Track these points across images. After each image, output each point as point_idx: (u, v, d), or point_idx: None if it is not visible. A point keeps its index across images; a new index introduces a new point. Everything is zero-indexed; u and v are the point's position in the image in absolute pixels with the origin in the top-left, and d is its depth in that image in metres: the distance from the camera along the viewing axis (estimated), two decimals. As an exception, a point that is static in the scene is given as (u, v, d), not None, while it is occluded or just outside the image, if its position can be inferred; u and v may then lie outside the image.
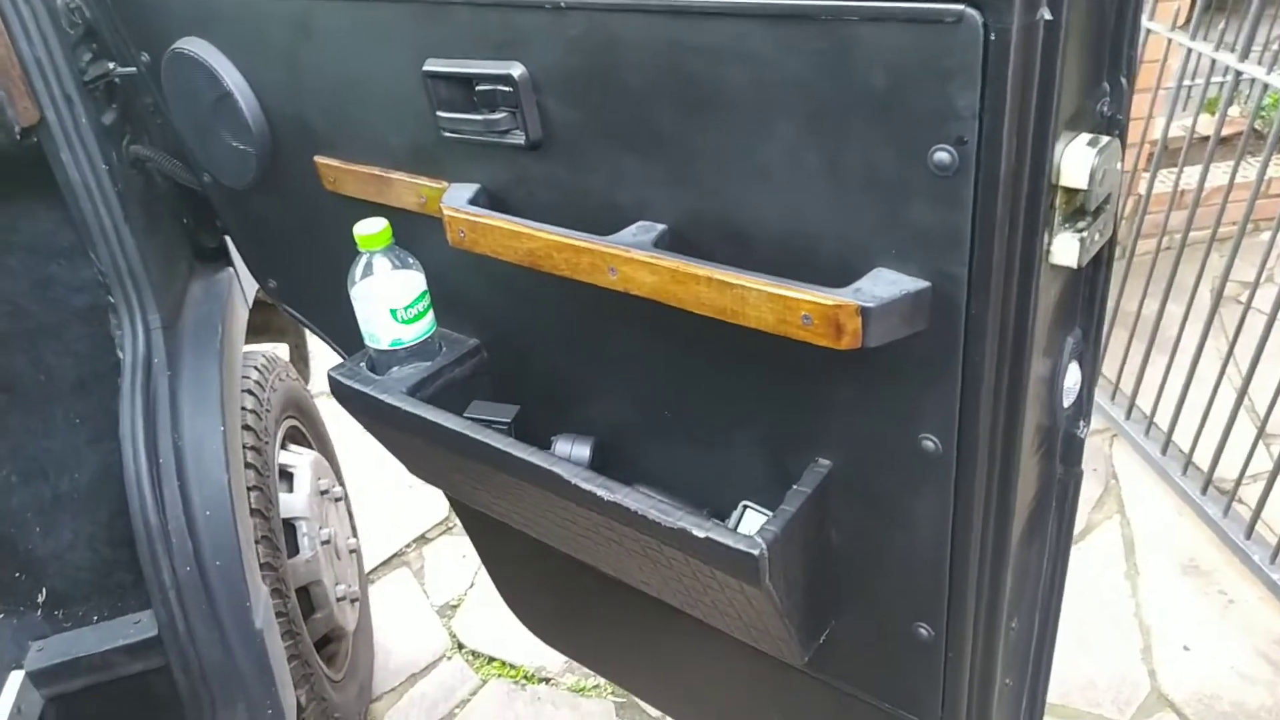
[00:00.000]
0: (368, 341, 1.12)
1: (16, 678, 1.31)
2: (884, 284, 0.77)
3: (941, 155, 0.70)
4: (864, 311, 0.74)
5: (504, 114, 0.93)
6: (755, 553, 0.84)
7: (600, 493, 0.93)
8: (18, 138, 1.25)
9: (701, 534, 0.87)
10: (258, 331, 1.96)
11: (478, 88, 0.93)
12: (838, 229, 0.79)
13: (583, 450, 1.06)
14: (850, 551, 0.95)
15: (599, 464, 1.08)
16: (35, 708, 1.32)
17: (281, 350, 2.09)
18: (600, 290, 0.88)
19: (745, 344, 0.85)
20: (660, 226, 0.89)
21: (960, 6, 0.64)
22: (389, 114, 1.05)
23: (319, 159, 1.15)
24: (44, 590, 1.43)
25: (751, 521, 1.00)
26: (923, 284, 0.76)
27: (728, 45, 0.77)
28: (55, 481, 1.43)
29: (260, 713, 1.40)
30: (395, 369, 1.13)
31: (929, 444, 0.84)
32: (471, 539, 1.52)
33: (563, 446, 1.07)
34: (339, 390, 1.14)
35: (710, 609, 1.00)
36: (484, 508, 1.21)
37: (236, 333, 1.58)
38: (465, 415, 1.08)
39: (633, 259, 0.85)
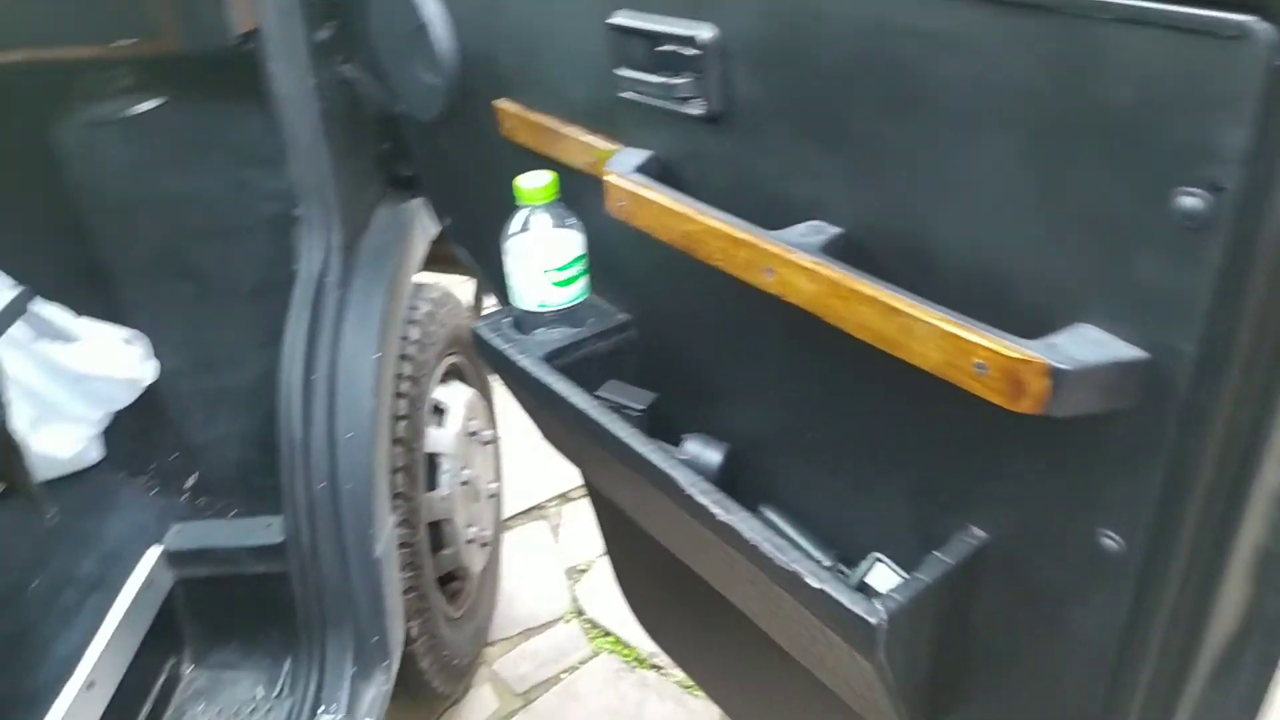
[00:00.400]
0: (514, 299, 1.07)
1: (154, 553, 1.38)
2: (1087, 344, 0.63)
3: (1189, 201, 0.55)
4: (1055, 373, 0.60)
5: (686, 79, 0.84)
6: (873, 621, 0.73)
7: (715, 510, 0.84)
8: (234, 42, 1.28)
9: (816, 584, 0.77)
10: (447, 264, 1.99)
11: (661, 47, 0.84)
12: (1041, 268, 0.66)
13: (713, 456, 0.97)
14: (990, 642, 0.82)
15: (728, 474, 0.98)
16: (166, 585, 1.39)
17: (463, 287, 2.10)
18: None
19: (909, 380, 0.73)
20: (833, 230, 0.78)
21: (1245, 18, 0.50)
22: (572, 65, 0.98)
23: (499, 103, 1.10)
24: (193, 476, 1.50)
25: (881, 578, 0.88)
26: (1138, 353, 0.62)
27: (945, 33, 0.64)
28: (222, 376, 1.49)
29: (367, 637, 1.41)
30: (539, 331, 1.08)
31: (1109, 542, 0.69)
32: (595, 511, 1.46)
33: (693, 447, 0.98)
34: (479, 342, 1.10)
35: (815, 661, 0.89)
36: (603, 489, 1.15)
37: (410, 264, 1.59)
38: (597, 394, 1.01)
39: (793, 262, 0.74)
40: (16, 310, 0.97)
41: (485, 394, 2.09)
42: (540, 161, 1.07)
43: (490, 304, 2.20)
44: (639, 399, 1.02)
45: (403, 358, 1.60)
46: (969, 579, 0.79)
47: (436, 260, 1.78)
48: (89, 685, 1.22)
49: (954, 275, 0.71)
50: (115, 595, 1.32)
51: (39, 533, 1.35)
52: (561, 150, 1.03)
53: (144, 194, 1.46)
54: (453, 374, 1.92)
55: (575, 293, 1.06)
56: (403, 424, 1.58)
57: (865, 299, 0.70)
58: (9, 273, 1.41)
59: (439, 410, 1.81)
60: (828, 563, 0.90)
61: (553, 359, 1.04)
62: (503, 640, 2.11)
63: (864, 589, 0.85)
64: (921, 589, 0.75)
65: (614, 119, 0.97)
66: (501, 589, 2.18)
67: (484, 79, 1.12)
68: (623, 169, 0.90)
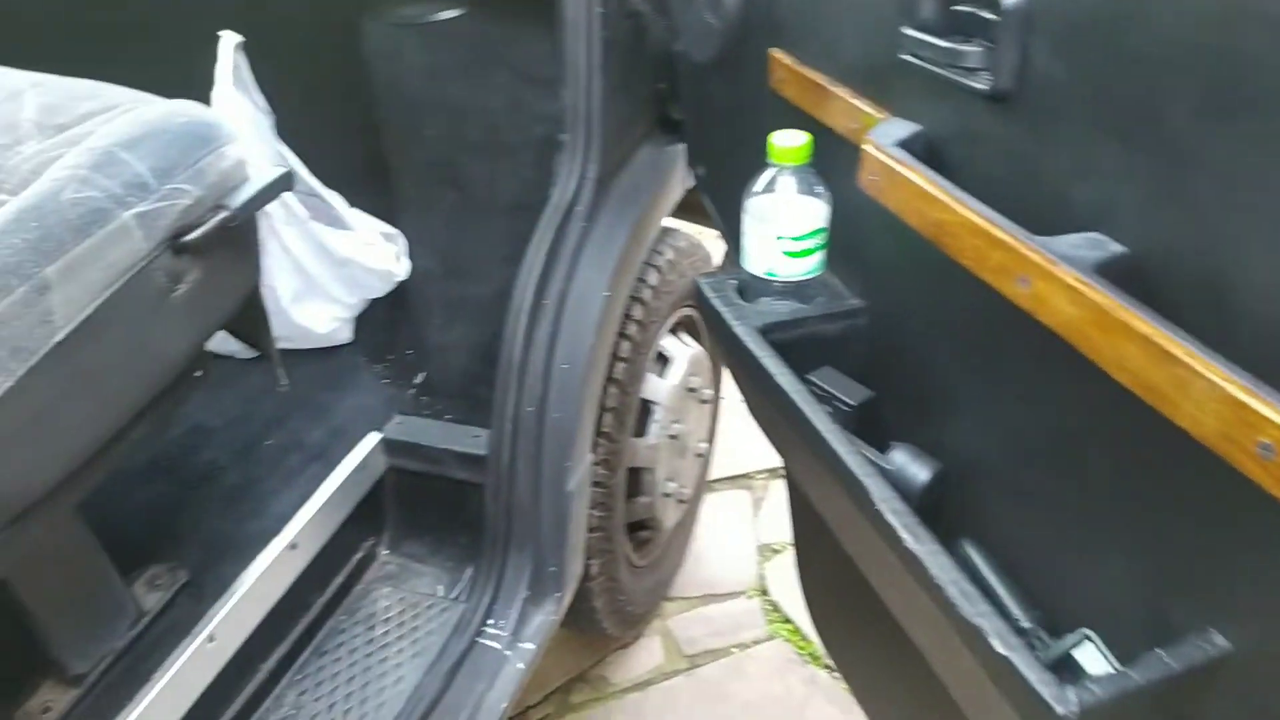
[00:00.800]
0: (744, 262, 1.01)
1: (374, 438, 1.46)
2: None
3: None
4: (1369, 478, 0.47)
5: (977, 47, 0.73)
6: (1061, 711, 0.62)
7: (903, 534, 0.75)
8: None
9: (1002, 649, 0.66)
10: (700, 213, 1.95)
11: (957, 6, 0.74)
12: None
13: (920, 472, 0.88)
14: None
15: (934, 495, 0.88)
16: (378, 469, 1.47)
17: (718, 242, 2.06)
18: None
19: (1170, 440, 0.60)
20: (1115, 248, 0.65)
21: None
22: (854, 18, 0.89)
23: (775, 52, 1.03)
24: (421, 375, 1.57)
25: (1089, 658, 0.75)
26: None
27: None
28: (465, 284, 1.55)
29: (545, 565, 1.43)
30: (764, 300, 1.01)
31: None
32: (788, 495, 1.39)
33: (900, 458, 0.89)
34: (699, 298, 1.06)
35: (986, 727, 0.79)
36: (796, 476, 1.07)
37: (661, 208, 1.56)
38: (808, 378, 0.94)
39: (1055, 276, 0.63)
40: (281, 186, 1.03)
41: (713, 353, 2.05)
42: (802, 121, 0.99)
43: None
44: (853, 394, 0.93)
45: (635, 300, 1.58)
46: (1194, 692, 0.65)
47: (696, 211, 1.75)
48: (292, 545, 1.31)
49: (1259, 329, 0.57)
50: (333, 468, 1.41)
51: (280, 397, 1.47)
52: (825, 111, 0.95)
53: (430, 100, 1.52)
54: (684, 326, 1.89)
55: (809, 266, 0.98)
56: (622, 366, 1.57)
57: (1136, 336, 0.58)
58: (300, 155, 1.52)
59: (663, 359, 1.79)
60: (1025, 624, 0.78)
61: (769, 332, 0.97)
62: (681, 599, 2.09)
63: (1062, 667, 0.73)
64: (1131, 689, 0.63)
65: (887, 84, 0.87)
66: (691, 549, 2.16)
67: (763, 25, 1.06)
68: (884, 140, 0.81)
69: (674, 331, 1.84)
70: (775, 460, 2.37)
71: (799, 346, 0.97)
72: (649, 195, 1.50)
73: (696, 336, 1.96)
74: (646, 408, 1.75)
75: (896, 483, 0.83)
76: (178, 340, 0.99)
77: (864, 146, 0.82)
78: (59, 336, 0.83)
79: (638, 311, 1.60)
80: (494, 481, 1.40)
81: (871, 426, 0.92)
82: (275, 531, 1.31)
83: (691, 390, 1.87)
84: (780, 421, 0.96)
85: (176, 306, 0.95)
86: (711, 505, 2.27)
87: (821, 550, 1.30)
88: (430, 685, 1.32)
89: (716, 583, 2.13)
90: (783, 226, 0.96)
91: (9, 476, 0.84)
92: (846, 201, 0.94)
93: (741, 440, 2.38)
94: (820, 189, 0.95)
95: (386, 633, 1.40)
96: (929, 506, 0.83)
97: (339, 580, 1.43)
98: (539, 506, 1.40)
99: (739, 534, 2.23)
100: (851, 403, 0.92)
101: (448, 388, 1.55)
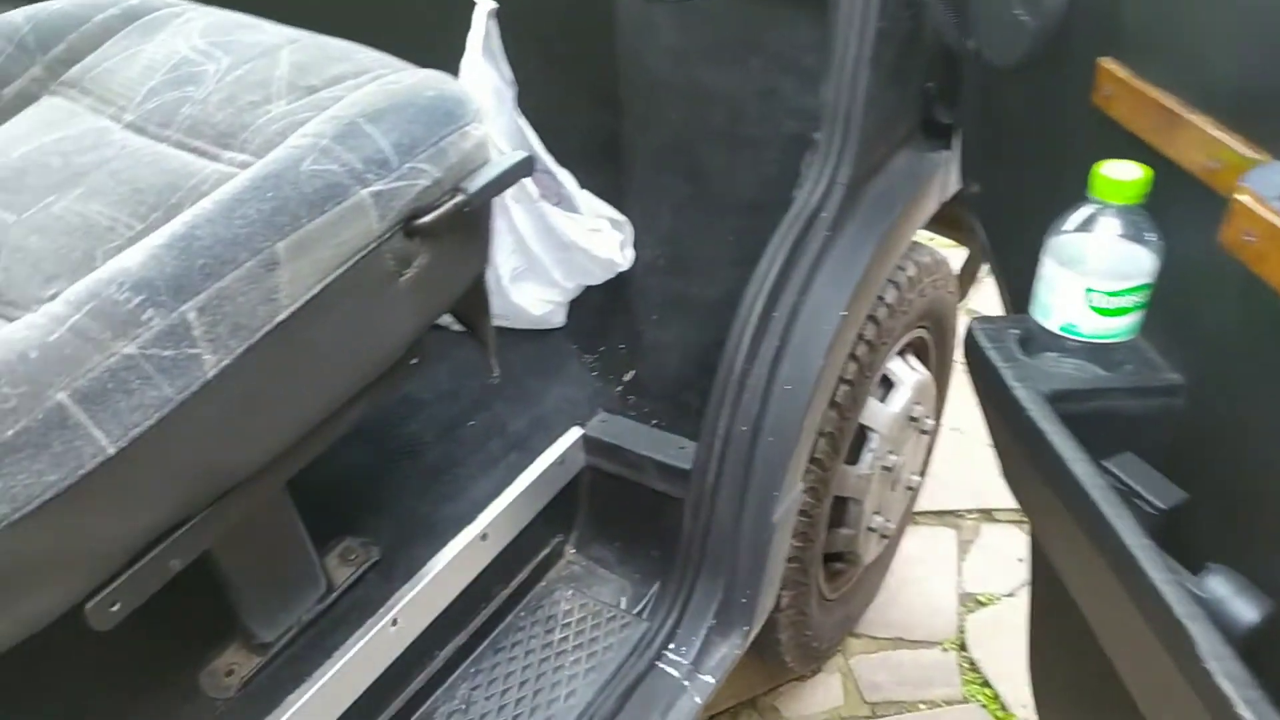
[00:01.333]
0: (1035, 310, 0.85)
1: (575, 433, 1.39)
2: None
3: None
4: None
5: None
6: None
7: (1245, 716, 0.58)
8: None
9: None
10: (947, 226, 1.77)
11: None
12: None
13: (1247, 611, 0.69)
14: None
15: (1259, 640, 0.70)
16: (576, 466, 1.41)
17: (956, 256, 1.87)
18: None
19: None
20: None
21: None
22: (1233, 28, 0.71)
23: (1105, 61, 0.86)
24: (631, 373, 1.49)
25: None
26: None
27: None
28: (689, 282, 1.45)
29: (736, 595, 1.33)
30: (1051, 357, 0.85)
31: None
32: (1031, 567, 1.21)
33: (1219, 586, 0.71)
34: (970, 346, 0.90)
35: None
36: (1057, 559, 0.91)
37: (914, 222, 1.41)
38: (1104, 464, 0.77)
39: None
40: (520, 172, 0.96)
41: (941, 379, 1.87)
42: (1132, 148, 0.81)
43: (982, 291, 1.94)
44: (1163, 494, 0.76)
45: (870, 319, 1.44)
46: None
47: (941, 222, 1.57)
48: (483, 536, 1.26)
49: None
50: (531, 460, 1.36)
51: (487, 378, 1.43)
52: (1171, 141, 0.77)
53: (676, 81, 1.42)
54: (913, 349, 1.72)
55: (1121, 327, 0.81)
56: (845, 389, 1.43)
57: None
58: (536, 129, 1.46)
59: (887, 383, 1.63)
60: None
61: (1059, 400, 0.81)
62: (869, 638, 1.94)
63: None
64: None
65: (1268, 115, 0.69)
66: (886, 585, 2.00)
67: (1092, 28, 0.88)
68: (1268, 190, 0.63)
69: (902, 354, 1.67)
70: (991, 500, 2.17)
71: (1093, 422, 0.81)
72: (902, 207, 1.34)
73: (924, 360, 1.78)
74: (863, 434, 1.60)
75: (1216, 618, 0.66)
76: (399, 326, 0.94)
77: (1236, 196, 0.65)
78: (281, 316, 0.79)
79: (870, 331, 1.45)
80: (695, 499, 1.30)
81: (1176, 536, 0.75)
82: (469, 518, 1.27)
83: (913, 419, 1.70)
84: (1055, 506, 0.80)
85: (401, 291, 0.89)
86: (913, 540, 2.10)
87: (1072, 648, 1.12)
88: (603, 705, 1.24)
89: (910, 627, 1.96)
90: (1096, 275, 0.79)
91: (222, 453, 0.81)
92: (1186, 256, 0.77)
93: (953, 471, 2.19)
94: (1152, 236, 0.78)
95: (564, 639, 1.34)
96: (1250, 652, 0.65)
97: (523, 576, 1.38)
98: (739, 532, 1.29)
99: (941, 578, 2.05)
100: (1161, 505, 0.75)
101: (657, 389, 1.46)
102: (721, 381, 1.26)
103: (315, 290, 0.80)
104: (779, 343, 1.25)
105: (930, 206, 1.42)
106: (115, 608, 0.79)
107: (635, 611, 1.37)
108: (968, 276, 1.95)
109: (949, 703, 1.82)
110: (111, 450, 0.70)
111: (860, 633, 1.95)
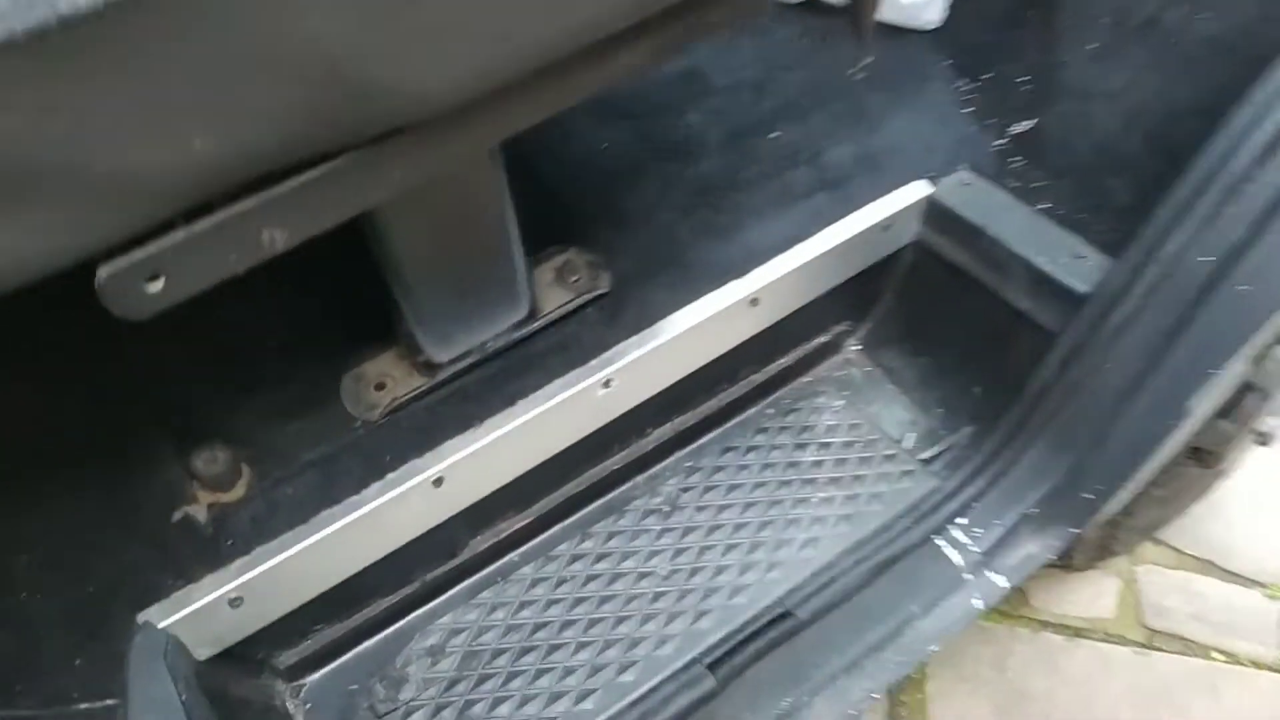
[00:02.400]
0: None
1: (916, 190, 0.95)
2: None
3: None
4: None
5: None
6: None
7: None
8: None
9: None
10: None
11: None
12: None
13: None
14: None
15: None
16: (904, 236, 0.98)
17: None
18: None
19: None
20: None
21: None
22: None
23: None
24: (1028, 121, 0.99)
25: None
26: None
27: None
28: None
29: (1081, 485, 0.91)
30: None
31: None
32: None
33: None
34: None
35: None
36: None
37: None
38: None
39: None
40: None
41: None
42: None
43: None
44: None
45: None
46: None
47: None
48: (753, 301, 0.88)
49: None
50: (845, 211, 0.94)
51: (808, 77, 0.98)
52: None
53: None
54: None
55: None
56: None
57: None
58: None
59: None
60: None
61: None
62: (1171, 549, 1.50)
63: None
64: None
65: None
66: (1213, 504, 1.50)
67: None
68: None
69: None
70: None
71: None
72: None
73: None
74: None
75: None
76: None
77: None
78: None
79: None
80: (1077, 338, 0.85)
81: None
82: (737, 270, 0.88)
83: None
84: None
85: None
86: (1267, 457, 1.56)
87: None
88: (851, 569, 0.89)
89: (1230, 553, 1.49)
90: None
91: (371, 48, 0.43)
92: None
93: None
94: None
95: (818, 463, 0.97)
96: None
97: (783, 362, 1.00)
98: (1130, 406, 0.85)
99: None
100: None
101: (1065, 159, 0.96)
102: (1194, 183, 0.76)
103: None
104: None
105: None
106: (158, 286, 0.46)
107: (923, 458, 0.98)
108: None
109: (1257, 665, 1.38)
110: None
111: (1162, 540, 1.49)
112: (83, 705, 0.68)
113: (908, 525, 0.93)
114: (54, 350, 0.86)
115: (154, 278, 0.44)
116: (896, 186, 0.94)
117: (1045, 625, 1.42)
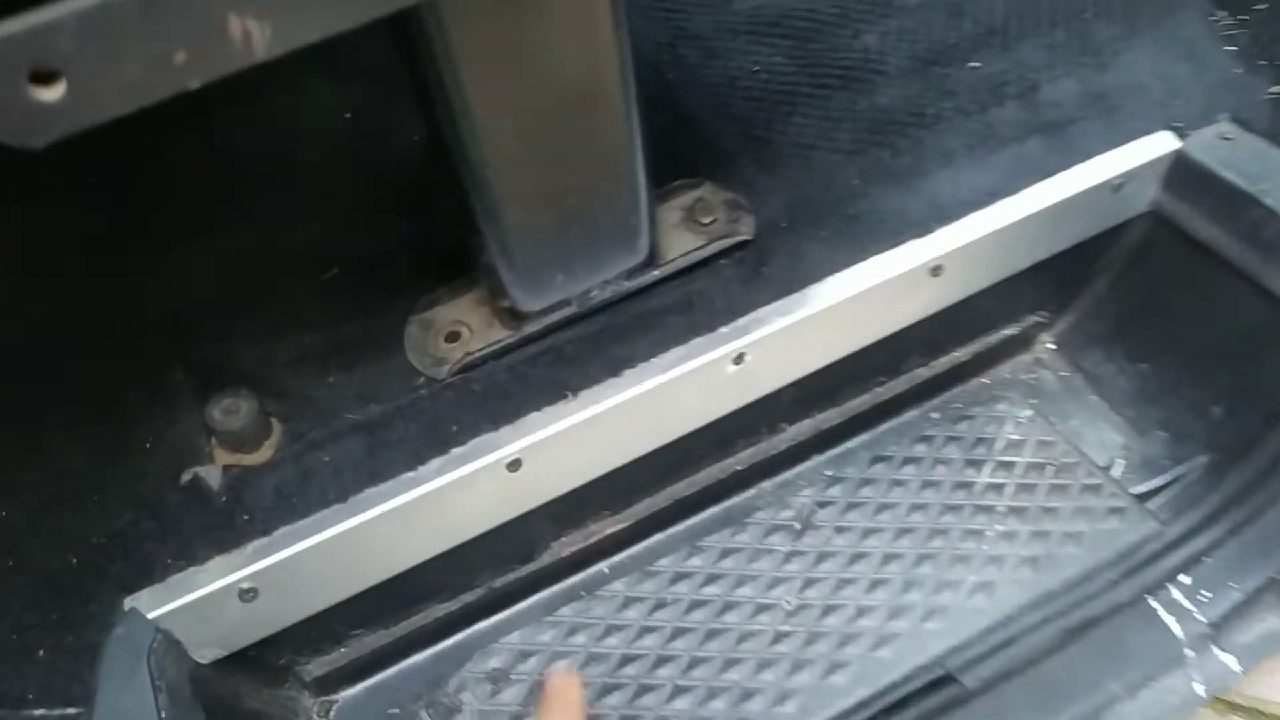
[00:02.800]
0: None
1: (1160, 143, 0.73)
2: None
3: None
4: None
5: None
6: None
7: None
8: None
9: None
10: None
11: None
12: None
13: None
14: None
15: None
16: (1137, 203, 0.75)
17: None
18: None
19: None
20: None
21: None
22: None
23: None
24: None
25: None
26: None
27: None
28: None
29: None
30: None
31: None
32: None
33: None
34: None
35: None
36: None
37: None
38: None
39: None
40: None
41: None
42: None
43: None
44: None
45: None
46: None
47: None
48: (934, 269, 0.68)
49: None
50: (1058, 164, 0.72)
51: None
52: None
53: None
54: None
55: None
56: None
57: None
58: None
59: None
60: None
61: None
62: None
63: None
64: None
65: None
66: None
67: None
68: None
69: None
70: None
71: None
72: None
73: None
74: None
75: None
76: None
77: None
78: None
79: None
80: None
81: None
82: (916, 229, 0.68)
83: None
84: None
85: None
86: None
87: None
88: (1035, 627, 0.68)
89: None
90: None
91: None
92: None
93: None
94: None
95: (995, 485, 0.76)
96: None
97: (957, 355, 0.79)
98: None
99: None
100: None
101: None
102: None
103: None
104: None
105: None
106: (56, 93, 0.28)
107: (1137, 492, 0.76)
108: None
109: None
110: None
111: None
112: (37, 711, 0.52)
113: (1113, 579, 0.71)
114: (58, 260, 0.72)
115: (49, 78, 0.28)
116: (1133, 137, 0.72)
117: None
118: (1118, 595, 0.70)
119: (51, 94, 0.28)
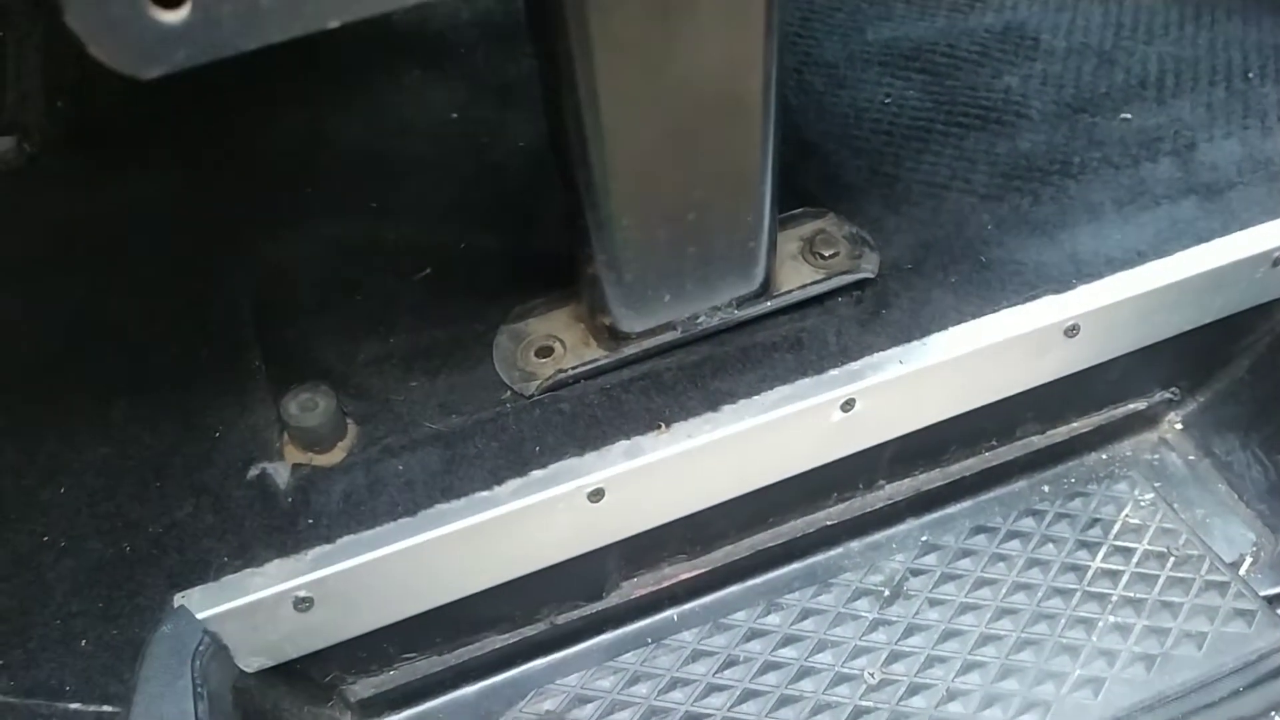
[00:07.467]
0: None
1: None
2: None
3: None
4: None
5: None
6: None
7: None
8: None
9: None
10: None
11: None
12: None
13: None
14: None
15: None
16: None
17: None
18: None
19: None
20: None
21: None
22: None
23: None
24: None
25: None
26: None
27: None
28: None
29: None
30: None
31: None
32: None
33: None
34: None
35: None
36: None
37: None
38: None
39: None
40: None
41: None
42: None
43: None
44: None
45: None
46: None
47: None
48: (1071, 329, 0.62)
49: None
50: (1217, 228, 0.66)
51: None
52: None
53: None
54: None
55: None
56: None
57: None
58: None
59: None
60: None
61: None
62: None
63: None
64: None
65: None
66: None
67: None
68: None
69: None
70: None
71: None
72: None
73: None
74: None
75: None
76: None
77: None
78: None
79: None
80: None
81: None
82: (1053, 281, 0.62)
83: None
84: None
85: None
86: None
87: None
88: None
89: None
90: None
91: None
92: None
93: None
94: None
95: (1110, 574, 0.69)
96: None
97: (1076, 426, 0.73)
98: None
99: None
100: None
101: None
102: None
103: None
104: None
105: None
106: (180, 14, 0.25)
107: (1268, 594, 0.68)
108: None
109: None
110: None
111: None
112: (73, 705, 0.49)
113: (1237, 687, 0.64)
114: (148, 238, 0.70)
115: (173, -1, 0.24)
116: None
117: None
118: (1241, 708, 0.63)
119: (175, 16, 0.25)
